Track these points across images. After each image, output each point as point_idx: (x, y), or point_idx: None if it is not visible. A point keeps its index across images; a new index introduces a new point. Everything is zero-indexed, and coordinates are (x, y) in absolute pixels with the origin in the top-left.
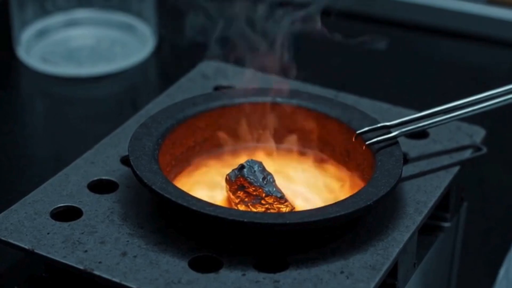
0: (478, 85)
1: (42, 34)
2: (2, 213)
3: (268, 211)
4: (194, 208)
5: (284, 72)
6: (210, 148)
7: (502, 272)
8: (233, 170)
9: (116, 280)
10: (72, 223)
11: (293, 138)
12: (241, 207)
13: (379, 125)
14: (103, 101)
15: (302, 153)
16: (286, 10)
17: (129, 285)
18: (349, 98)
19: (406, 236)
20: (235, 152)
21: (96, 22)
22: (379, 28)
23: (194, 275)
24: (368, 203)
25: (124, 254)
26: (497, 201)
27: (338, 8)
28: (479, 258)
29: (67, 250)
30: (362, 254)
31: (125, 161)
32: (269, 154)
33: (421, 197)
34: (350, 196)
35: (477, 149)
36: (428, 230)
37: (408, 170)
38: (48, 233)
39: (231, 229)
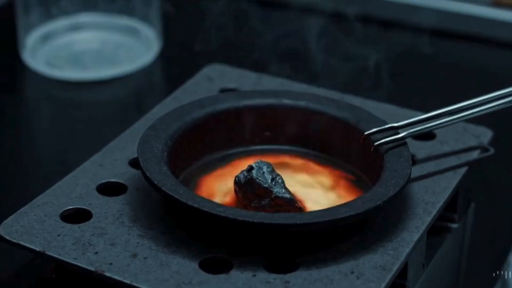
0: (484, 86)
1: (47, 38)
2: (12, 216)
3: (278, 212)
4: (204, 209)
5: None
6: (219, 149)
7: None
8: (242, 171)
9: (127, 281)
10: (82, 225)
11: (300, 139)
12: (250, 209)
13: (387, 126)
14: (108, 105)
15: (310, 155)
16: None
17: (140, 286)
18: (355, 100)
19: (416, 236)
20: (243, 154)
21: (101, 26)
22: (386, 31)
23: (204, 276)
24: (378, 203)
25: (134, 255)
26: (504, 202)
27: (343, 11)
28: (486, 259)
29: (78, 251)
30: (372, 255)
31: (133, 163)
32: (277, 155)
33: (430, 198)
34: (360, 197)
35: (484, 150)
36: (436, 231)
37: (416, 171)
38: (58, 235)
39: (242, 230)
